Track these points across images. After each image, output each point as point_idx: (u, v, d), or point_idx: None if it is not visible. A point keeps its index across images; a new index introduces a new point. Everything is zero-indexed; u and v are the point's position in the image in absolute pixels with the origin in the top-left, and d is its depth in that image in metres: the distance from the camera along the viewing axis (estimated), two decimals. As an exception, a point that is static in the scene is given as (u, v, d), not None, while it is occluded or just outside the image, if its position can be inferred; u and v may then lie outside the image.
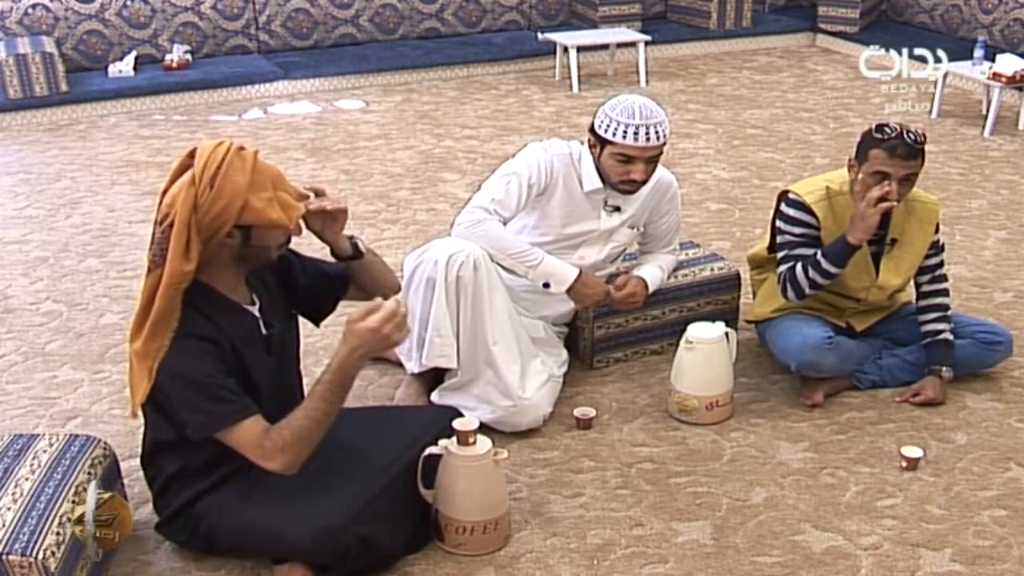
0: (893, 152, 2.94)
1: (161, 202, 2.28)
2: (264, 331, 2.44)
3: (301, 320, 2.64)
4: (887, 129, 2.96)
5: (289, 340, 2.57)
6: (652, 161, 3.04)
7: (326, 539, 2.32)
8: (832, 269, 3.06)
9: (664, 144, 3.02)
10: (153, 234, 2.29)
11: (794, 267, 3.13)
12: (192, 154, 2.28)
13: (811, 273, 3.08)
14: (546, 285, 3.05)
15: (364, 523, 2.37)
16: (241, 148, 2.28)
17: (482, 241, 2.98)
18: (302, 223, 2.41)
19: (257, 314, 2.43)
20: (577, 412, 3.09)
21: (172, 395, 2.27)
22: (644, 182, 3.07)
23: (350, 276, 2.61)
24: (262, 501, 2.38)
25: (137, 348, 2.28)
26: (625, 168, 3.01)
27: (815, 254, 3.09)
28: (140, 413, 2.40)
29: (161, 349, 2.25)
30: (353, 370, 2.31)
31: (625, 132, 2.96)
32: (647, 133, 2.96)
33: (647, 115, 2.97)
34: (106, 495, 2.42)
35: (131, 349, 2.31)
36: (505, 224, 3.06)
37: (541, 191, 3.11)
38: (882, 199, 2.95)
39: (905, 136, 2.94)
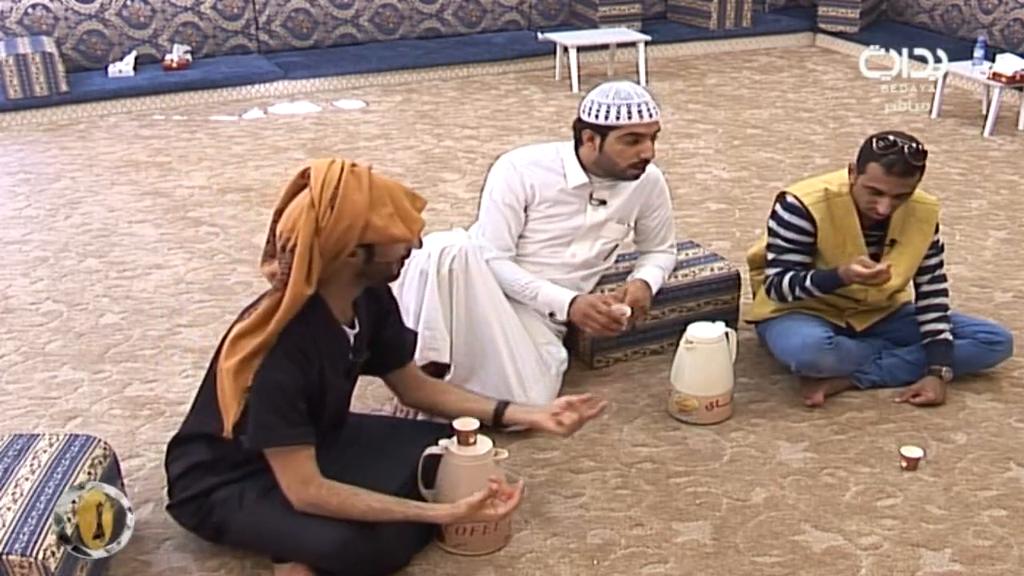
0: (889, 169, 2.94)
1: (274, 224, 2.31)
2: (352, 356, 2.47)
3: None
4: (888, 141, 2.95)
5: (361, 366, 2.61)
6: (654, 139, 3.08)
7: (342, 550, 2.34)
8: (817, 293, 3.13)
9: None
10: (270, 255, 2.33)
11: (782, 276, 3.16)
12: (304, 174, 2.29)
13: (797, 291, 3.14)
14: (551, 315, 3.14)
15: (378, 534, 2.38)
16: (354, 165, 2.29)
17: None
18: (422, 236, 2.43)
19: (353, 340, 2.46)
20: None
21: (250, 398, 2.29)
22: (649, 161, 3.11)
23: (404, 362, 2.70)
24: (283, 503, 2.37)
25: (231, 365, 2.28)
26: (635, 149, 3.04)
27: (804, 276, 3.12)
28: (189, 402, 2.47)
29: (255, 369, 2.27)
30: (434, 520, 2.44)
31: (630, 112, 3.00)
32: (648, 109, 3.02)
33: (640, 93, 3.04)
34: (82, 497, 2.39)
35: (223, 367, 2.31)
36: (517, 248, 3.18)
37: (524, 206, 3.15)
38: (875, 277, 2.97)
39: (905, 151, 2.92)
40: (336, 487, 2.35)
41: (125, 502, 2.41)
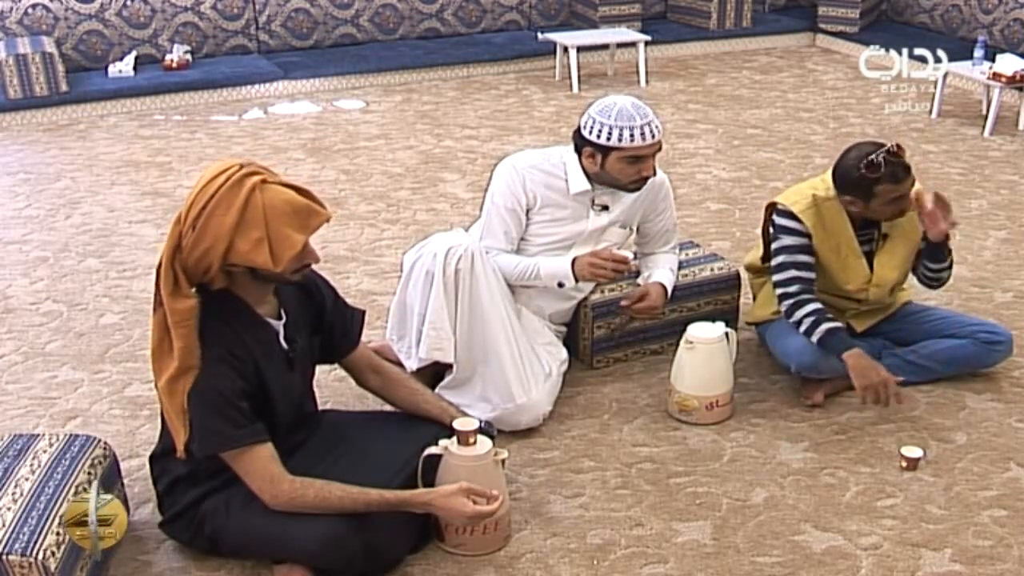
0: (896, 177, 2.97)
1: None
2: (286, 346, 2.44)
3: None
4: (875, 160, 2.95)
5: (310, 354, 2.58)
6: (655, 156, 3.08)
7: (332, 547, 2.33)
8: (823, 348, 3.06)
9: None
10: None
11: (798, 303, 3.09)
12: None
13: (813, 337, 3.06)
14: (560, 285, 3.14)
15: (370, 530, 2.38)
16: (247, 175, 2.22)
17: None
18: (316, 251, 2.37)
19: (281, 329, 2.43)
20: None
21: (191, 409, 2.28)
22: (649, 178, 3.11)
23: (351, 347, 2.66)
24: (267, 506, 2.36)
25: (163, 386, 2.28)
26: (636, 168, 3.05)
27: (820, 320, 3.05)
28: (159, 419, 2.42)
29: (188, 385, 2.26)
30: (415, 509, 2.41)
31: (632, 135, 2.98)
32: (651, 130, 3.00)
33: (644, 114, 3.01)
34: (107, 496, 2.41)
35: (159, 388, 2.31)
36: (518, 251, 3.19)
37: (526, 209, 3.15)
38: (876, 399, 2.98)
39: (889, 155, 2.96)
40: (308, 480, 2.33)
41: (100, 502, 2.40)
